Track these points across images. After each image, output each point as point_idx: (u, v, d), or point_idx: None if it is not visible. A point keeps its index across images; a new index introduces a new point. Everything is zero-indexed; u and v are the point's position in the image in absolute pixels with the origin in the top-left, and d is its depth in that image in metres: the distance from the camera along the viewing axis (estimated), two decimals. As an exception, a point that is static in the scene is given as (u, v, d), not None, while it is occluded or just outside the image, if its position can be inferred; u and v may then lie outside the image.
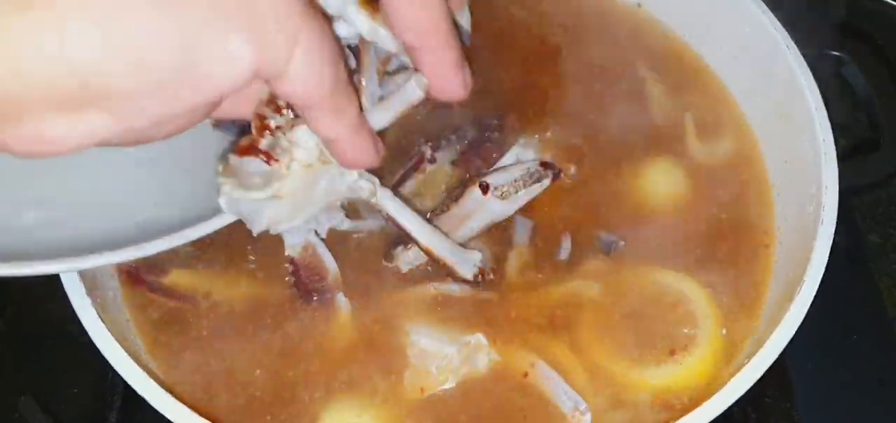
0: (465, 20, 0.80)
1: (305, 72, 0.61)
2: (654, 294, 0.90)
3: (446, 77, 0.73)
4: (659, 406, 0.84)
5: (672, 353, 0.86)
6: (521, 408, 0.83)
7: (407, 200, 0.89)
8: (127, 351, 0.77)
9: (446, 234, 0.88)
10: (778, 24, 1.00)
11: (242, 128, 0.74)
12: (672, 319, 0.88)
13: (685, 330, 0.88)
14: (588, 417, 0.82)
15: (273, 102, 0.69)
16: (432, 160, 0.94)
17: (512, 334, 0.86)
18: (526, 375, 0.84)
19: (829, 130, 0.92)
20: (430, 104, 0.78)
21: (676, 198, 0.98)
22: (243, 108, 0.69)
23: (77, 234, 0.77)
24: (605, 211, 0.96)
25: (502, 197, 0.90)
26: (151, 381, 0.75)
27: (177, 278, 0.90)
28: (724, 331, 0.89)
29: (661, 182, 0.99)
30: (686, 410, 0.75)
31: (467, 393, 0.83)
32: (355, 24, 0.72)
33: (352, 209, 0.91)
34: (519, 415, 0.82)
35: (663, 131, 1.03)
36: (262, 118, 0.69)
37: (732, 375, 0.78)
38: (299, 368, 0.85)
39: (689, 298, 0.90)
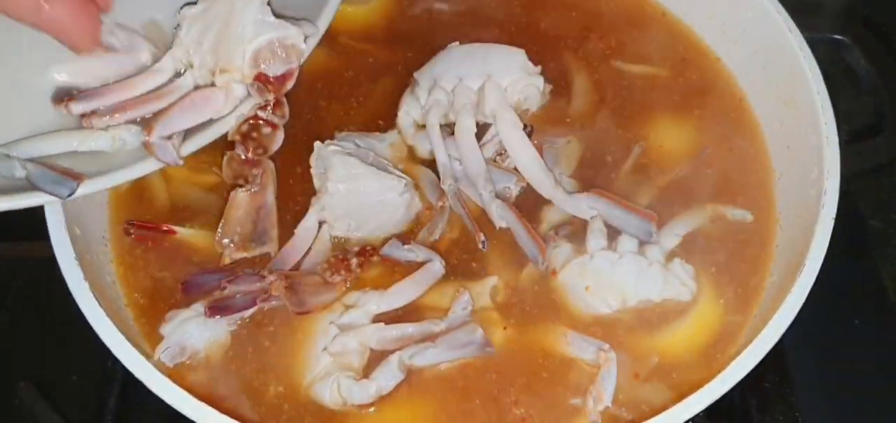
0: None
1: None
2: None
3: None
4: (655, 381, 0.85)
5: (668, 323, 0.87)
6: (542, 376, 0.84)
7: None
8: (126, 336, 0.77)
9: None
10: (781, 7, 0.99)
11: None
12: (670, 299, 0.89)
13: (680, 304, 0.89)
14: (613, 354, 0.83)
15: None
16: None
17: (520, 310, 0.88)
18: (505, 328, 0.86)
19: (832, 116, 0.91)
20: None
21: (677, 180, 0.98)
22: None
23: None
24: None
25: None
26: (150, 365, 0.75)
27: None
28: (721, 307, 0.89)
29: (662, 163, 0.99)
30: (686, 389, 0.75)
31: (486, 367, 0.84)
32: None
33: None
34: (542, 382, 0.84)
35: (661, 114, 1.03)
36: None
37: (732, 358, 0.78)
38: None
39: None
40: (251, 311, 0.85)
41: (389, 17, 1.11)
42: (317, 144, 0.92)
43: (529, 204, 0.94)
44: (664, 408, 0.75)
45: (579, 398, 0.83)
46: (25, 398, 0.97)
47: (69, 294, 0.80)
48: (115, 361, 0.77)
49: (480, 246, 0.89)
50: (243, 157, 0.81)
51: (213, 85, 0.83)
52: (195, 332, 0.83)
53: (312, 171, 0.92)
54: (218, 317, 0.83)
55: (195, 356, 0.84)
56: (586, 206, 0.93)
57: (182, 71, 0.84)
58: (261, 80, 0.80)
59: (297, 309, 0.83)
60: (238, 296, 0.83)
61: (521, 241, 0.90)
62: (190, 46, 0.81)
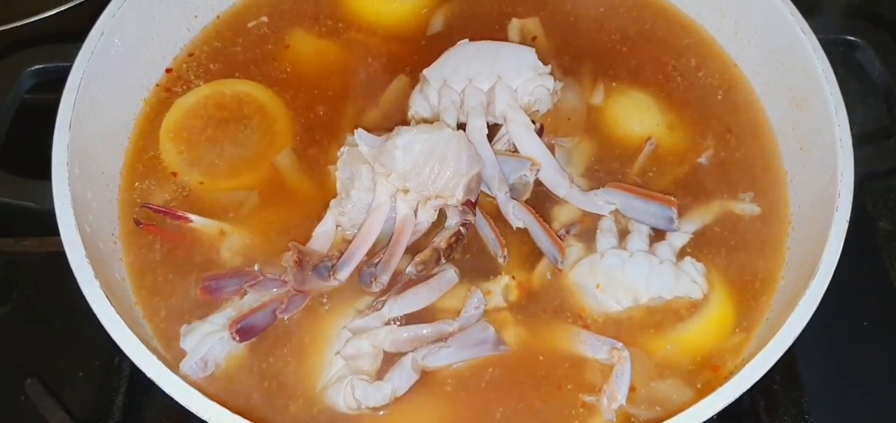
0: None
1: None
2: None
3: None
4: (668, 379, 0.85)
5: (680, 321, 0.87)
6: (555, 375, 0.84)
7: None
8: (137, 336, 0.76)
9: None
10: (794, 8, 0.99)
11: None
12: (681, 297, 0.89)
13: (692, 302, 0.89)
14: (627, 353, 0.83)
15: None
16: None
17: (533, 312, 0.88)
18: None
19: (845, 117, 0.91)
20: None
21: (687, 179, 0.98)
22: None
23: None
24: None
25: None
26: (163, 365, 0.75)
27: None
28: (733, 306, 0.89)
29: (672, 163, 0.99)
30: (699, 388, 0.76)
31: (499, 367, 0.84)
32: None
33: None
34: (556, 381, 0.84)
35: (672, 114, 1.02)
36: None
37: (745, 359, 0.78)
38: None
39: (698, 274, 0.90)
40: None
41: (408, 12, 1.11)
42: (345, 149, 0.92)
43: (539, 204, 0.94)
44: (679, 407, 0.75)
45: (593, 397, 0.83)
46: (32, 394, 0.96)
47: (75, 290, 0.79)
48: (122, 357, 0.77)
49: (501, 260, 0.90)
50: (440, 256, 0.88)
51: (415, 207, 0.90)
52: (217, 346, 0.84)
53: (337, 174, 0.92)
54: (248, 340, 0.84)
55: (217, 368, 0.84)
56: (603, 201, 0.92)
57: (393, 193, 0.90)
58: (468, 205, 0.89)
59: (297, 286, 0.84)
60: (260, 313, 0.84)
61: (539, 240, 0.90)
62: (407, 174, 0.88)
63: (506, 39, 1.08)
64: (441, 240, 0.88)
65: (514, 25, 1.10)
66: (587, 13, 1.11)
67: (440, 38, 1.07)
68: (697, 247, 0.93)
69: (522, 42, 1.07)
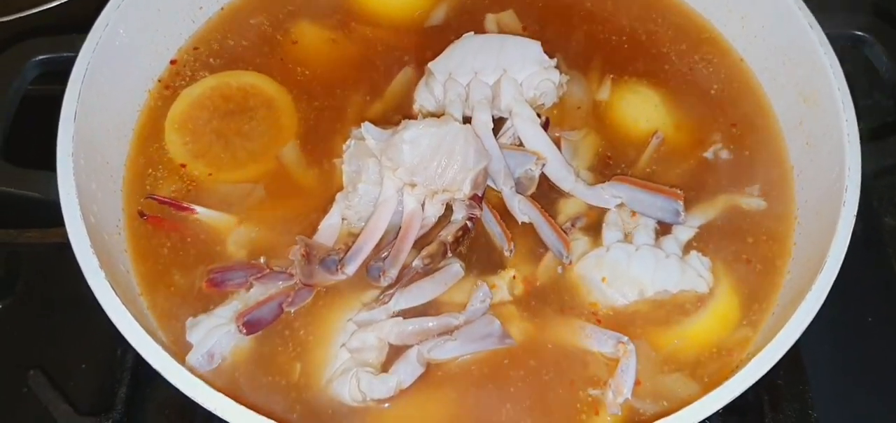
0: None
1: None
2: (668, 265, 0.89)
3: None
4: (674, 373, 0.85)
5: (685, 315, 0.87)
6: (560, 368, 0.84)
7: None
8: (143, 327, 0.76)
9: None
10: (802, 3, 0.99)
11: None
12: (687, 290, 0.89)
13: (697, 296, 0.88)
14: (632, 347, 0.83)
15: None
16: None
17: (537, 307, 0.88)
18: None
19: (853, 113, 0.91)
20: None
21: (693, 174, 0.97)
22: None
23: None
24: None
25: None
26: (169, 356, 0.74)
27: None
28: (739, 300, 0.89)
29: (678, 157, 0.99)
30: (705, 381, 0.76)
31: (504, 361, 0.84)
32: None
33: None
34: (561, 375, 0.83)
35: (678, 108, 1.02)
36: None
37: (751, 353, 0.77)
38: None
39: (704, 268, 0.90)
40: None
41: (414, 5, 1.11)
42: (351, 142, 0.92)
43: (544, 197, 0.94)
44: (684, 401, 0.75)
45: (599, 390, 0.83)
46: (35, 386, 0.95)
47: (79, 281, 0.79)
48: (126, 349, 0.77)
49: (508, 254, 0.90)
50: (447, 250, 0.88)
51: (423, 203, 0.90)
52: (224, 339, 0.84)
53: (344, 168, 0.92)
54: (255, 333, 0.84)
55: (223, 361, 0.84)
56: (609, 195, 0.92)
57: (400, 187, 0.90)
58: (475, 199, 0.89)
59: (304, 279, 0.84)
60: (266, 307, 0.84)
61: (545, 235, 0.90)
62: (414, 169, 0.88)
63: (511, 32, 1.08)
64: (448, 234, 0.88)
65: (491, 20, 1.09)
66: (590, 7, 1.11)
67: (441, 30, 1.07)
68: (703, 241, 0.93)
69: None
